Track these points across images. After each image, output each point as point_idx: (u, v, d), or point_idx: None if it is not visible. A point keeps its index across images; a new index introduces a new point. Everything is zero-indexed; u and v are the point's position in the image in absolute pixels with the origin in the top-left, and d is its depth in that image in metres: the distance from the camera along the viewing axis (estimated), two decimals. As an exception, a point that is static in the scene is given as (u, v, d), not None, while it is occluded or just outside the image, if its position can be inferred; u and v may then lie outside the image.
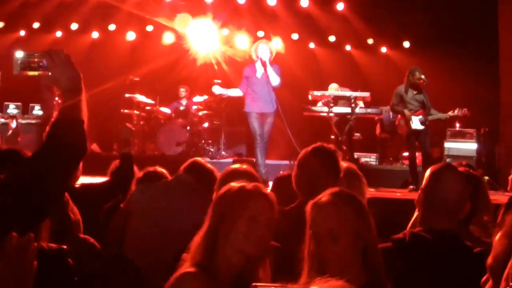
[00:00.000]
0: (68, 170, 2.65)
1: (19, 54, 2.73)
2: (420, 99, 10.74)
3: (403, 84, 10.79)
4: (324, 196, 2.82)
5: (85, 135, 2.66)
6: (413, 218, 4.15)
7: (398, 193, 9.70)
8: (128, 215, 4.52)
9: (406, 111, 10.67)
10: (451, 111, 11.09)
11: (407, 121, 10.68)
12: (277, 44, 15.65)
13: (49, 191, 2.54)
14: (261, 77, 10.18)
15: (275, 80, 10.10)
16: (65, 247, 2.89)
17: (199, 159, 5.09)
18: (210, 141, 13.58)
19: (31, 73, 2.74)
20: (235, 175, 3.64)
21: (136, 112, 13.81)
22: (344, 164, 4.39)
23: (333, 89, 12.46)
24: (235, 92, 10.78)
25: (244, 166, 3.84)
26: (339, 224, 2.72)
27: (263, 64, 10.07)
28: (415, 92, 10.75)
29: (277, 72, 10.14)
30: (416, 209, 3.78)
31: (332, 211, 2.76)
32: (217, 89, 10.99)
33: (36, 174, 2.50)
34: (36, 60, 2.73)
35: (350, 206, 2.78)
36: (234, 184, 2.94)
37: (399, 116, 11.04)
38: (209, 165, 4.97)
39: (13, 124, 12.92)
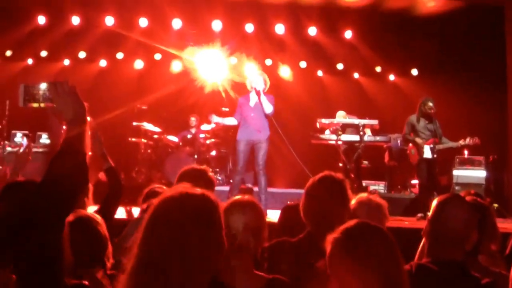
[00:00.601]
0: (68, 201, 2.63)
1: (24, 86, 2.73)
2: (432, 128, 10.88)
3: (415, 113, 10.96)
4: (334, 233, 2.58)
5: (86, 168, 2.66)
6: (419, 248, 4.11)
7: (406, 222, 9.64)
8: (125, 250, 4.44)
9: (418, 139, 10.81)
10: (462, 140, 11.14)
11: (420, 148, 10.74)
12: (285, 72, 15.76)
13: (50, 223, 2.52)
14: (254, 106, 10.40)
15: (268, 108, 10.27)
16: (86, 282, 2.87)
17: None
18: (217, 169, 13.56)
19: (36, 105, 2.74)
20: (237, 206, 3.54)
21: (143, 140, 13.82)
22: (363, 195, 4.37)
23: (341, 117, 12.48)
24: (230, 121, 10.97)
25: (246, 197, 3.72)
26: (337, 267, 2.53)
27: (257, 93, 10.23)
28: (426, 122, 10.90)
29: (270, 101, 10.33)
30: (423, 239, 3.73)
31: (332, 253, 2.55)
32: (213, 118, 11.09)
33: (36, 206, 2.49)
34: (41, 92, 2.73)
35: (355, 250, 2.50)
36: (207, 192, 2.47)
37: (410, 145, 11.11)
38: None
39: (24, 142, 12.94)
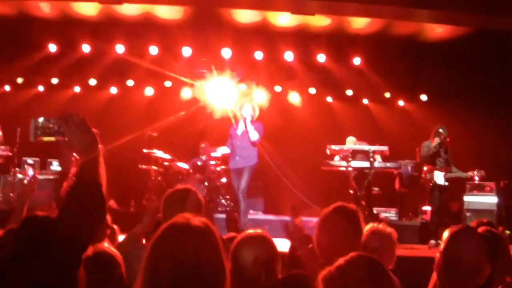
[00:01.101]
0: (87, 234, 2.62)
1: (35, 121, 2.73)
2: (445, 156, 10.91)
3: (429, 140, 11.06)
4: (326, 270, 2.56)
5: (103, 199, 2.65)
6: (431, 281, 4.06)
7: (418, 250, 9.58)
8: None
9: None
10: (471, 172, 11.26)
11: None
12: (294, 98, 15.79)
13: (65, 258, 2.52)
14: (240, 135, 10.74)
15: (254, 135, 10.60)
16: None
17: None
18: (228, 197, 13.50)
19: (47, 139, 2.74)
20: (248, 240, 3.51)
21: (154, 167, 13.79)
22: (373, 225, 4.36)
23: (351, 143, 12.46)
24: (223, 150, 11.43)
25: (258, 231, 3.69)
26: None
27: (244, 121, 10.61)
28: (440, 150, 10.95)
29: (258, 129, 10.59)
30: (435, 272, 3.69)
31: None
32: (207, 155, 11.42)
33: (51, 241, 2.48)
34: (51, 125, 2.74)
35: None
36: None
37: (424, 169, 11.12)
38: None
39: (30, 172, 12.92)
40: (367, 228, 4.42)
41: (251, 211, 13.56)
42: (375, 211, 12.73)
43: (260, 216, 13.31)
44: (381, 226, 4.59)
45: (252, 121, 10.63)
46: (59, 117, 2.74)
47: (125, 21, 13.79)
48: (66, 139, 2.74)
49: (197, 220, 2.44)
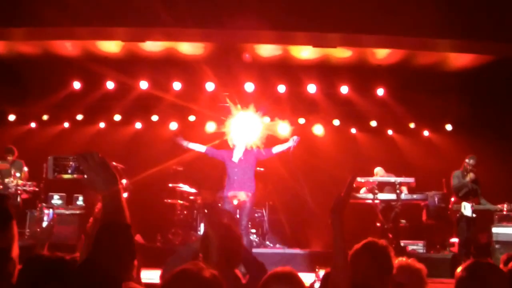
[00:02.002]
0: (117, 277, 2.59)
1: (54, 158, 2.72)
2: (474, 187, 10.83)
3: (460, 169, 11.00)
4: None
5: (132, 240, 2.62)
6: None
7: (447, 285, 9.42)
8: None
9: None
10: (500, 205, 11.11)
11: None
12: (318, 130, 15.74)
13: None
14: (238, 162, 10.62)
15: (277, 149, 10.62)
16: None
17: None
18: (253, 231, 13.46)
19: (66, 176, 2.72)
20: (275, 280, 3.46)
21: (179, 201, 13.81)
22: (403, 259, 4.30)
23: (379, 173, 12.40)
24: (197, 147, 11.10)
25: (286, 269, 3.62)
26: None
27: (246, 156, 10.58)
28: (470, 180, 10.90)
29: (258, 153, 10.58)
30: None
31: None
32: (180, 140, 11.11)
33: (85, 284, 2.45)
34: (70, 163, 2.72)
35: None
36: None
37: (452, 200, 11.02)
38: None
39: (51, 213, 12.98)
40: (397, 261, 4.35)
41: (277, 245, 13.48)
42: (402, 244, 12.58)
43: (286, 250, 13.21)
44: (410, 261, 4.51)
45: (251, 150, 10.59)
46: (78, 155, 2.73)
47: (149, 57, 13.91)
48: (85, 176, 2.72)
49: (207, 272, 2.53)
